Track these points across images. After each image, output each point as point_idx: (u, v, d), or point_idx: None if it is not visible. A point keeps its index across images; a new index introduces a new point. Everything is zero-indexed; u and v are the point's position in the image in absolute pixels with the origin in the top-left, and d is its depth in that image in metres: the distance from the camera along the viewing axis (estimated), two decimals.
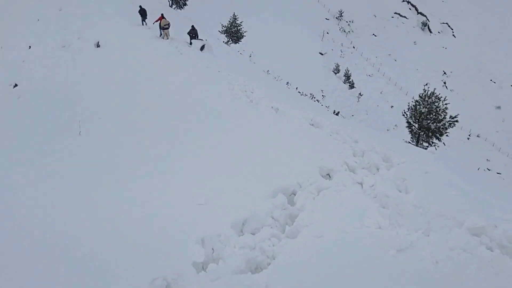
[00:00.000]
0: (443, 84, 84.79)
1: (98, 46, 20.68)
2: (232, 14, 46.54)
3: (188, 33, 24.04)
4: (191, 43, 24.05)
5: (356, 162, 10.47)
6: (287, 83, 54.53)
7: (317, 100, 60.73)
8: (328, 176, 10.17)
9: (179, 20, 33.80)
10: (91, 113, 15.33)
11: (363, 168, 10.39)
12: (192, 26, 24.32)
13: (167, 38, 22.70)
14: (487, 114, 79.77)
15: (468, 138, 71.98)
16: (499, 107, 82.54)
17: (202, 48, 24.86)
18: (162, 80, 16.31)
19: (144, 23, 24.65)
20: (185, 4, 42.13)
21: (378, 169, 10.33)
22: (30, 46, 21.89)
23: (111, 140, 13.18)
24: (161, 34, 23.12)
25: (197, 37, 24.23)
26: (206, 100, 14.60)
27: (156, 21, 23.42)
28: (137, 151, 12.12)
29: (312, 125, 12.91)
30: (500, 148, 73.27)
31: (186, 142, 12.05)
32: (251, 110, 13.73)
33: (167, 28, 22.69)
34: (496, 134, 76.50)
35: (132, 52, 19.73)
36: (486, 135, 74.97)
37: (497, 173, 67.95)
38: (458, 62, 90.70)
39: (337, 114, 36.11)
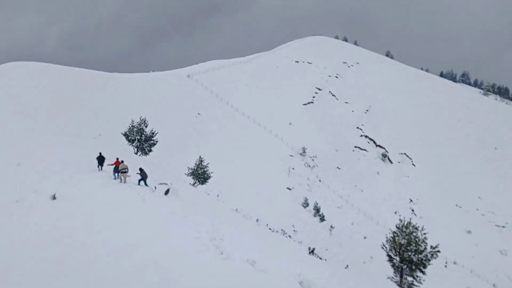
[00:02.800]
0: (412, 211, 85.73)
1: (54, 198, 19.34)
2: (198, 156, 47.11)
3: (141, 177, 23.10)
4: (145, 185, 22.97)
5: None
6: (257, 220, 53.39)
7: (289, 236, 59.04)
8: None
9: (143, 166, 33.39)
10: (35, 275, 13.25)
11: None
12: (140, 168, 23.38)
13: (125, 182, 22.21)
14: (459, 239, 79.58)
15: (445, 266, 70.12)
16: (469, 232, 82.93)
17: (166, 192, 23.88)
18: (116, 233, 14.57)
19: (100, 168, 24.45)
20: (150, 151, 42.47)
21: None
22: None
23: None
24: (115, 177, 22.82)
25: (146, 179, 23.08)
26: (164, 258, 11.93)
27: (112, 164, 23.21)
28: None
29: (301, 284, 10.14)
30: (479, 274, 71.40)
31: None
32: (220, 269, 10.88)
33: (125, 172, 22.38)
34: (473, 259, 75.32)
35: (89, 201, 18.45)
36: (463, 261, 73.59)
37: None
38: (422, 189, 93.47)
39: (312, 252, 34.44)
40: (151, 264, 10.76)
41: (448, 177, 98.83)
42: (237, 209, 49.99)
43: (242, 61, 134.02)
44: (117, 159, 23.41)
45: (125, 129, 43.39)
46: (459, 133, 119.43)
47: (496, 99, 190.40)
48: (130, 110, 69.33)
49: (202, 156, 47.28)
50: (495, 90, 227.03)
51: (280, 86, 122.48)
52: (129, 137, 41.77)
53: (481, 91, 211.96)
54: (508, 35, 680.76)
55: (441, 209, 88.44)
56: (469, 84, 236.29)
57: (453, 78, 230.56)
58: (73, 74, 77.15)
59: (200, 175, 44.91)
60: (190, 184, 42.80)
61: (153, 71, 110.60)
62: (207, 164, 46.12)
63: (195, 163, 45.89)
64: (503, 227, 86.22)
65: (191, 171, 45.68)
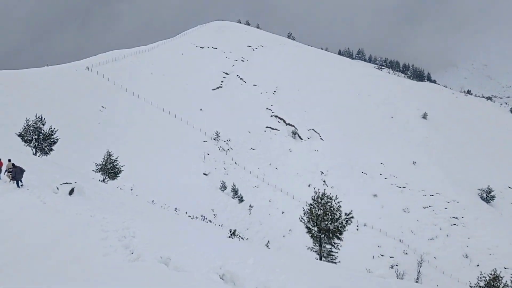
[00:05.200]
0: (324, 182, 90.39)
1: None
2: (106, 151, 44.87)
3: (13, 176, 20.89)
4: (18, 185, 20.92)
5: None
6: (175, 209, 52.59)
7: (209, 221, 59.13)
8: None
9: (45, 166, 31.05)
10: None
11: None
12: (10, 161, 21.52)
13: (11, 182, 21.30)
14: (367, 203, 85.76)
15: (357, 229, 75.30)
16: (375, 195, 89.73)
17: (71, 192, 22.46)
18: (13, 245, 13.04)
19: None
20: (51, 150, 39.46)
21: None
22: None
23: None
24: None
25: (20, 179, 20.92)
26: (66, 268, 10.36)
27: None
28: None
29: (223, 277, 9.24)
30: (387, 232, 77.87)
31: None
32: (129, 273, 9.62)
33: (11, 172, 21.17)
34: (380, 220, 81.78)
35: None
36: (372, 222, 79.63)
37: (390, 257, 71.29)
38: (331, 161, 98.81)
39: (233, 233, 34.75)
40: (49, 277, 9.66)
41: (353, 148, 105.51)
42: (153, 201, 48.75)
43: (145, 49, 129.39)
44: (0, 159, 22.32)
45: (20, 129, 39.82)
46: (359, 106, 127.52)
47: (389, 73, 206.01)
48: (24, 109, 63.72)
49: (110, 150, 45.06)
50: (388, 64, 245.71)
51: (187, 73, 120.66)
52: (25, 137, 38.43)
53: (375, 66, 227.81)
54: (405, 9, 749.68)
55: (349, 177, 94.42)
56: (365, 60, 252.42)
57: (350, 56, 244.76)
58: None
59: (109, 170, 42.81)
60: (99, 180, 40.72)
61: (47, 65, 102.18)
62: (117, 158, 44.10)
63: (103, 158, 43.63)
64: (403, 187, 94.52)
65: (99, 167, 43.37)
